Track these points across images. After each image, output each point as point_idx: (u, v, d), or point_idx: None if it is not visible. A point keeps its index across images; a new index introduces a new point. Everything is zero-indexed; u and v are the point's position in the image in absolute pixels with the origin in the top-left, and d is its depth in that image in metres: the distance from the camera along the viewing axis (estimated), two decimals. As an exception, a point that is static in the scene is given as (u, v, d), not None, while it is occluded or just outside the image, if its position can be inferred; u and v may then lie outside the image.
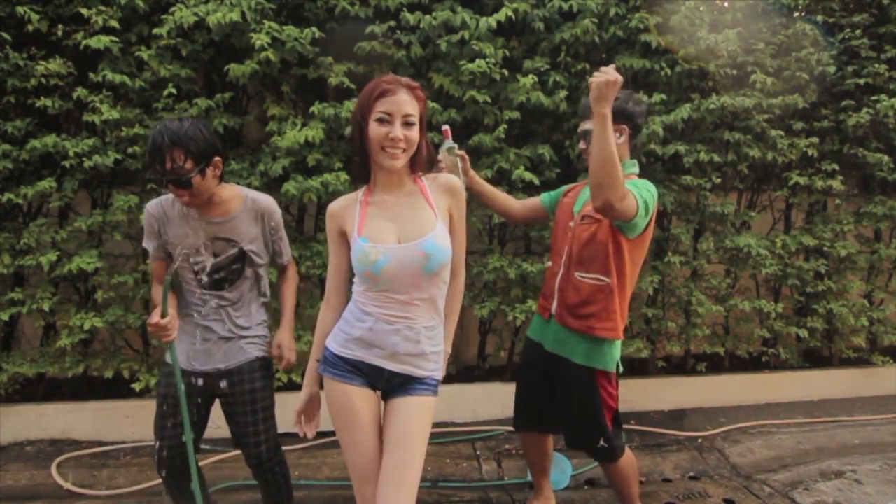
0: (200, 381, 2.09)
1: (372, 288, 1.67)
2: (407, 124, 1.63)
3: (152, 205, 2.06)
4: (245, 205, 2.08)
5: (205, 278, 2.07)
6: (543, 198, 2.56)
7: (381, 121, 1.61)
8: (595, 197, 1.96)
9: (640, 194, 2.07)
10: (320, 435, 3.37)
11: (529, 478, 2.98)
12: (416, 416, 1.67)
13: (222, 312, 2.10)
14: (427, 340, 1.71)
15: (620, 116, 2.17)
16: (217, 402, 2.18)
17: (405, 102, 1.62)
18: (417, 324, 1.69)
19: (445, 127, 2.25)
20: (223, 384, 2.10)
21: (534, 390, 2.43)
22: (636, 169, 2.35)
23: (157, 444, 2.10)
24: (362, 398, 1.68)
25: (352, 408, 1.66)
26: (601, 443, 2.24)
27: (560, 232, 2.38)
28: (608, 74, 1.85)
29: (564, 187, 2.54)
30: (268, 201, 2.14)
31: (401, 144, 1.62)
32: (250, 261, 2.11)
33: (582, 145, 2.35)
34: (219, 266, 2.07)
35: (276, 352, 2.16)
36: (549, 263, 2.45)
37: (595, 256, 2.19)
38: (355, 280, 1.75)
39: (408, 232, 1.66)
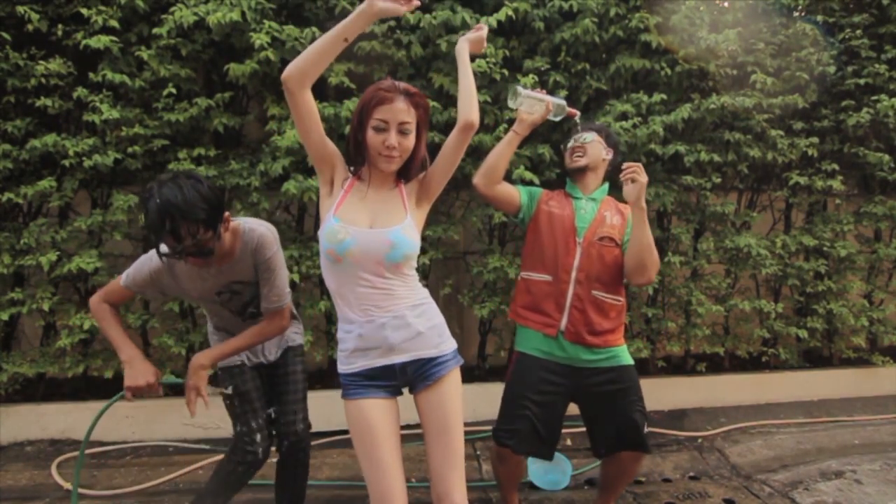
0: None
1: (334, 269, 1.67)
2: (402, 132, 1.66)
3: (157, 261, 1.93)
4: (243, 238, 1.99)
5: (241, 313, 2.16)
6: (522, 194, 2.39)
7: (377, 129, 1.65)
8: (638, 275, 2.23)
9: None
10: (320, 435, 3.43)
11: (529, 477, 2.98)
12: (445, 400, 1.69)
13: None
14: (417, 320, 1.70)
15: (611, 142, 2.44)
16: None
17: (402, 111, 1.64)
18: (400, 307, 1.69)
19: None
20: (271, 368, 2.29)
21: (554, 410, 2.32)
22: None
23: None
24: (377, 410, 1.66)
25: (366, 421, 1.64)
26: (647, 427, 2.35)
27: (561, 246, 2.29)
28: (644, 175, 2.11)
29: (540, 191, 2.43)
30: (260, 236, 1.98)
31: (395, 153, 1.66)
32: None
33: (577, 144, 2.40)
34: (247, 304, 2.14)
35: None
36: (543, 276, 2.32)
37: (615, 278, 2.31)
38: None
39: (380, 220, 1.69)
